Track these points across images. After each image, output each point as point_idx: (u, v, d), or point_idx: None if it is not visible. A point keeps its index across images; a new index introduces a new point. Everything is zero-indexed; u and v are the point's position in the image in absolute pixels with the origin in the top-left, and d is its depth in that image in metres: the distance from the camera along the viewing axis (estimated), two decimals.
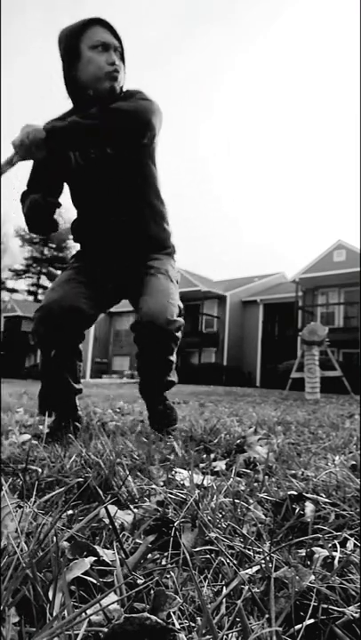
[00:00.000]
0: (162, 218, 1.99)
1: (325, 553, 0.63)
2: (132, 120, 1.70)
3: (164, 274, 1.90)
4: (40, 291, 42.75)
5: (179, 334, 1.82)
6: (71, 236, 2.21)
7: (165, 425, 1.94)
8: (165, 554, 0.66)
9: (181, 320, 1.84)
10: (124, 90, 1.85)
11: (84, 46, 1.75)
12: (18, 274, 42.43)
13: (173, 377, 1.97)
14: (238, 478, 1.13)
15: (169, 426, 1.95)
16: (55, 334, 1.78)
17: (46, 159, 1.70)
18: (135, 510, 0.80)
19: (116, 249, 1.96)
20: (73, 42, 1.75)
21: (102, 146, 1.82)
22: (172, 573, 0.58)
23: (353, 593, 0.54)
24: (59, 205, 1.85)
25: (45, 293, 1.93)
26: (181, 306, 1.89)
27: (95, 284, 1.91)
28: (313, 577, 0.53)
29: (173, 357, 1.89)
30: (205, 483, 0.97)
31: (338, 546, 0.66)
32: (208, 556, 0.66)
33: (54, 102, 1.91)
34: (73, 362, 1.89)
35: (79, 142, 1.74)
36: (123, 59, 1.82)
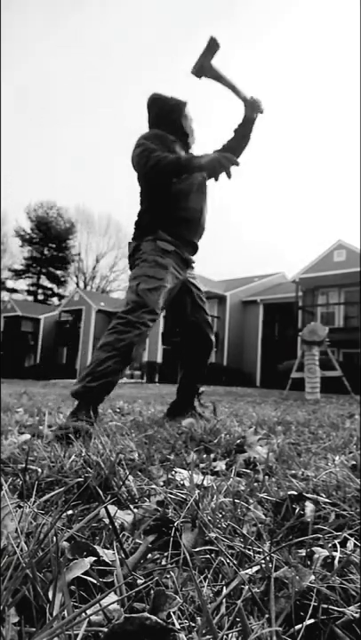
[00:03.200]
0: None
1: (325, 553, 0.63)
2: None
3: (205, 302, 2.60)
4: (40, 291, 42.66)
5: None
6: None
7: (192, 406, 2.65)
8: (165, 554, 0.66)
9: None
10: None
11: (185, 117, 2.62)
12: (18, 274, 42.35)
13: None
14: (238, 478, 1.13)
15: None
16: (149, 328, 2.16)
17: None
18: (135, 510, 0.80)
19: (191, 248, 2.51)
20: (177, 115, 2.58)
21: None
22: (172, 573, 0.58)
23: (353, 593, 0.54)
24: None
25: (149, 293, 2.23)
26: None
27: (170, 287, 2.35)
28: (313, 577, 0.53)
29: None
30: (205, 483, 0.97)
31: (338, 546, 0.66)
32: (208, 555, 0.65)
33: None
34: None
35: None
36: None
